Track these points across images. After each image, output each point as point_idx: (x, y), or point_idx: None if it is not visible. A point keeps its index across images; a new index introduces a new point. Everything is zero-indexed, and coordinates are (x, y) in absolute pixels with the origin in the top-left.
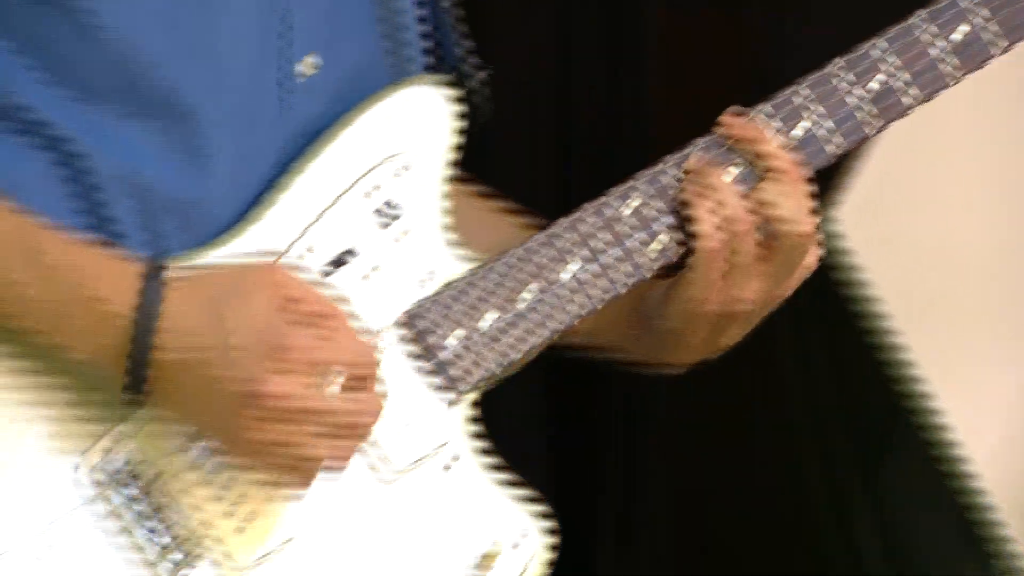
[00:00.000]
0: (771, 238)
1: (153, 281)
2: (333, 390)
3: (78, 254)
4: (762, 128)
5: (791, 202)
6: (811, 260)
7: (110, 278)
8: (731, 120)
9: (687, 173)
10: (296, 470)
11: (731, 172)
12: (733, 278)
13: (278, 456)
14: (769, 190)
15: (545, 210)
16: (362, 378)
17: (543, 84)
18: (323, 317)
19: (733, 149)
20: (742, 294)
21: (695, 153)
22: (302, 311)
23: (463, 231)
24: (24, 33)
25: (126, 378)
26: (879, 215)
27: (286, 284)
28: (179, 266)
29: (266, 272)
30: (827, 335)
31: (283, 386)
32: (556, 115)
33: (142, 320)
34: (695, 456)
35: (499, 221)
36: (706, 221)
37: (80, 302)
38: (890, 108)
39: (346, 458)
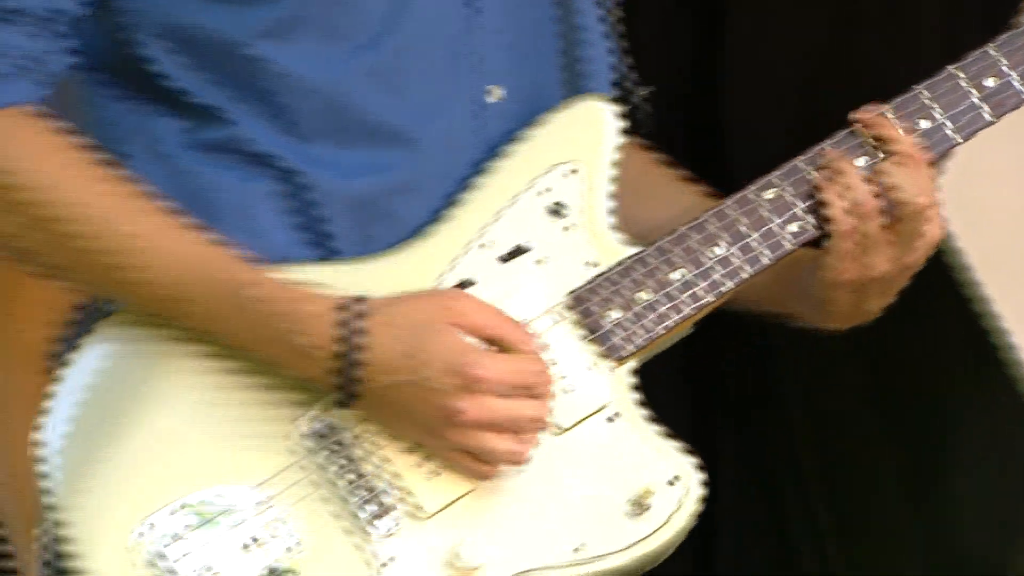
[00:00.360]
0: (894, 213)
1: (351, 324)
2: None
3: (276, 297)
4: (889, 120)
5: (908, 179)
6: (933, 233)
7: (309, 323)
8: (864, 113)
9: (821, 165)
10: (485, 466)
11: (860, 162)
12: (864, 252)
13: (470, 458)
14: (889, 169)
15: None
16: (537, 388)
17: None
18: (502, 339)
19: (862, 143)
20: (874, 266)
21: (828, 147)
22: (483, 335)
23: (640, 190)
24: (246, 88)
25: (336, 403)
26: (973, 186)
27: (467, 311)
28: (370, 299)
29: (449, 301)
30: (923, 299)
31: (473, 409)
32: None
33: (345, 364)
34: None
35: (673, 184)
36: (836, 205)
37: (282, 343)
38: (1002, 103)
39: (527, 454)
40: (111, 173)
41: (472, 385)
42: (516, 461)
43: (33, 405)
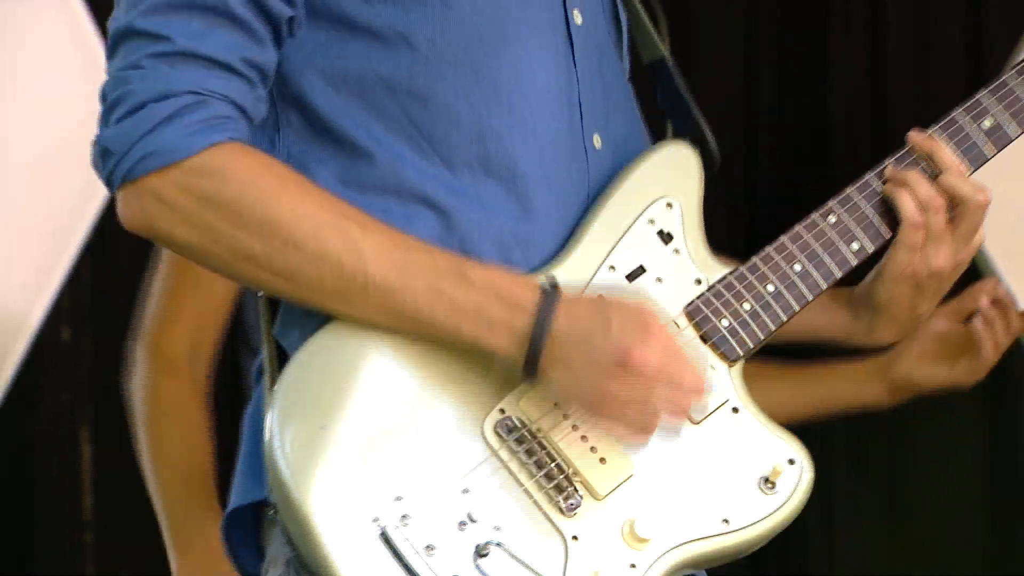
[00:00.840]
0: (955, 212)
1: (549, 288)
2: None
3: (492, 273)
4: (938, 140)
5: (968, 182)
6: (980, 235)
7: (518, 286)
8: (917, 135)
9: (888, 177)
10: (643, 423)
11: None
12: (928, 245)
13: (632, 410)
14: (950, 176)
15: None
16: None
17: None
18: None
19: (914, 160)
20: (935, 258)
21: (889, 165)
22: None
23: None
24: (407, 125)
25: (526, 363)
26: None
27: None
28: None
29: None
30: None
31: (646, 353)
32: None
33: (543, 306)
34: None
35: None
36: (908, 202)
37: (496, 302)
38: (1000, 139)
39: (682, 414)
40: (316, 187)
41: (648, 332)
42: (673, 418)
43: (180, 409)
